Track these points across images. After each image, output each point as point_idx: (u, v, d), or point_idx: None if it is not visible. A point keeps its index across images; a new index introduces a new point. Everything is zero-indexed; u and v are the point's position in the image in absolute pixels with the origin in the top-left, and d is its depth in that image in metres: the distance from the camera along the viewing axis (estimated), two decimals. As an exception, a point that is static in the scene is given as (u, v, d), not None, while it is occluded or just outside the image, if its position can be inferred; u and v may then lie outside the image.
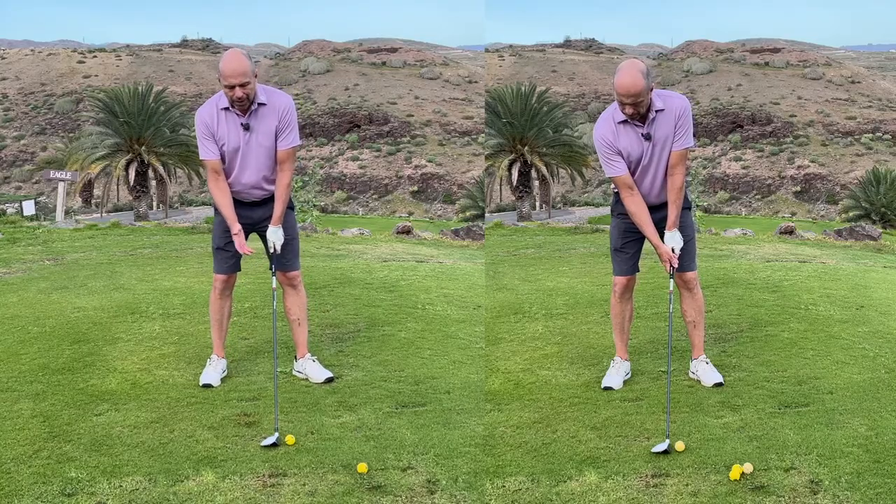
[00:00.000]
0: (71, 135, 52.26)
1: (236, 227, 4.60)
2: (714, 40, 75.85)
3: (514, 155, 31.16)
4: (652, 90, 4.44)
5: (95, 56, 71.07)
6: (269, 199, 4.74)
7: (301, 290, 4.94)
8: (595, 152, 4.74)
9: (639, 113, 4.40)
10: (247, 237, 4.82)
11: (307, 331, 5.05)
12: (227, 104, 4.55)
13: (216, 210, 4.79)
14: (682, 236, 4.64)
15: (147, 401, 4.50)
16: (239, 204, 4.72)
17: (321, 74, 62.23)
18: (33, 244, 10.87)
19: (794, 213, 48.80)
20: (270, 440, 4.00)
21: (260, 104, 4.55)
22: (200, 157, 4.64)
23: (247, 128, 4.56)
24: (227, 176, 4.68)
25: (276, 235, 4.70)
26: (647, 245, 4.87)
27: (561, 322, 6.23)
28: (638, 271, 4.89)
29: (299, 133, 4.71)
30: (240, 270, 4.93)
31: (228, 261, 4.84)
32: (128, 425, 4.16)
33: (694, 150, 56.54)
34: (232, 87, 4.41)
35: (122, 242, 11.26)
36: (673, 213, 4.59)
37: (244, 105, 4.50)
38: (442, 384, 4.82)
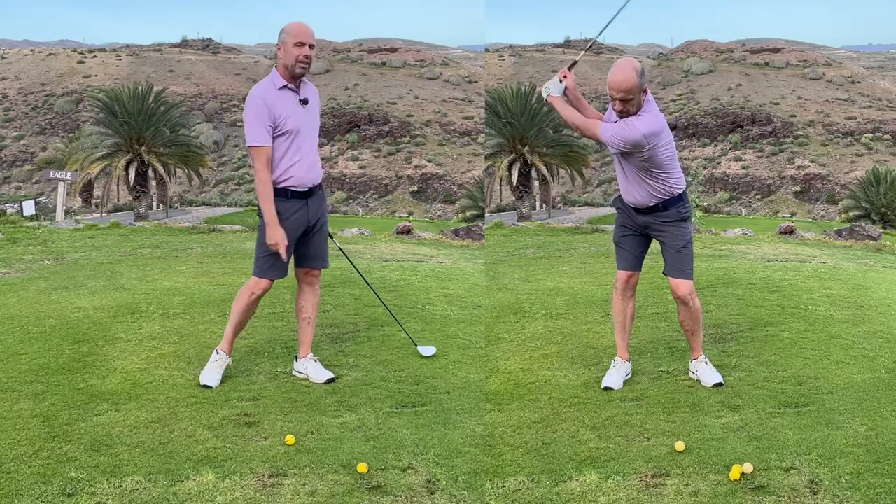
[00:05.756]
0: (71, 135, 52.29)
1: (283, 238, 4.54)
2: (714, 40, 75.95)
3: (514, 155, 31.18)
4: (646, 92, 4.44)
5: (95, 56, 71.11)
6: (318, 188, 4.74)
7: (318, 290, 4.97)
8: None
9: (627, 111, 4.41)
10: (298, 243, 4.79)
11: (314, 331, 5.04)
12: (283, 83, 4.53)
13: (262, 214, 4.56)
14: (674, 245, 4.66)
15: (147, 401, 4.50)
16: (295, 202, 4.61)
17: (321, 74, 62.25)
18: (33, 244, 10.87)
19: (794, 213, 48.81)
20: (430, 350, 5.11)
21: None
22: (254, 143, 4.46)
23: (305, 102, 4.60)
24: (287, 168, 4.56)
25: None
26: (651, 245, 4.87)
27: (561, 322, 6.23)
28: (639, 269, 4.87)
29: None
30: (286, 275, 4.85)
31: (285, 265, 4.70)
32: (128, 425, 4.16)
33: (693, 151, 56.50)
34: (302, 45, 4.46)
35: (122, 242, 11.26)
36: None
37: (305, 68, 4.52)
38: (442, 384, 4.82)
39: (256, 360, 5.26)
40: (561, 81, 4.68)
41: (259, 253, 4.70)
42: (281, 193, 4.58)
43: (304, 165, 4.61)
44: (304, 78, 4.66)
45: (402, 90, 57.77)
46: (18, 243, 10.91)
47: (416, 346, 5.30)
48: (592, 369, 5.06)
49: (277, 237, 4.50)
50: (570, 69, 4.72)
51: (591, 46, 5.05)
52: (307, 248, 4.83)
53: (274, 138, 4.52)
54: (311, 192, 4.69)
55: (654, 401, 4.52)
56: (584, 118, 4.62)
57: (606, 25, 4.88)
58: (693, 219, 4.81)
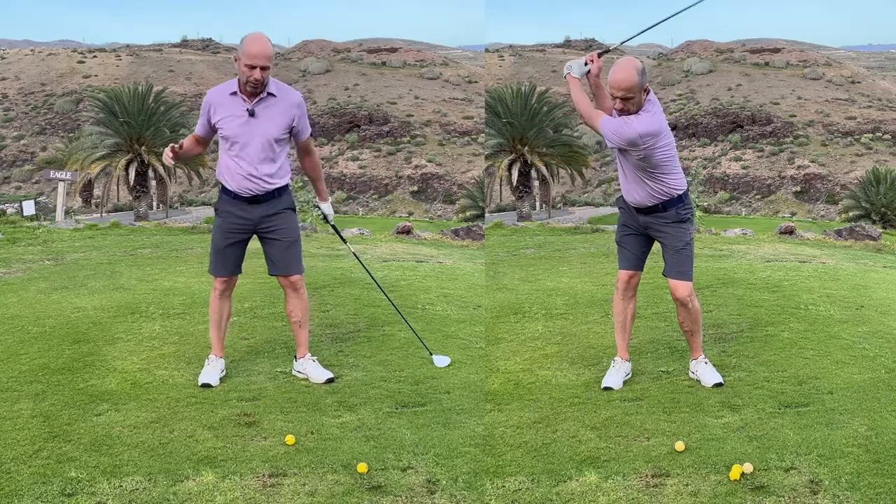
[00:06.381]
0: (71, 135, 52.28)
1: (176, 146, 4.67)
2: (714, 40, 75.89)
3: (514, 155, 31.19)
4: (648, 92, 4.44)
5: (95, 56, 71.10)
6: (268, 197, 4.72)
7: (303, 293, 4.93)
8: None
9: (627, 110, 4.41)
10: (248, 240, 4.84)
11: (308, 332, 5.04)
12: (236, 88, 4.58)
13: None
14: (673, 247, 4.66)
15: (147, 401, 4.50)
16: (236, 203, 4.71)
17: (321, 74, 62.27)
18: (33, 244, 10.87)
19: (794, 213, 48.81)
20: (445, 361, 5.14)
21: (269, 94, 4.60)
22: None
23: (252, 114, 4.58)
24: (228, 172, 4.68)
25: (329, 209, 5.14)
26: (652, 245, 4.87)
27: (561, 322, 6.23)
28: (640, 269, 4.87)
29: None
30: (240, 273, 4.91)
31: (229, 264, 4.82)
32: (128, 425, 4.16)
33: (693, 151, 56.53)
34: (253, 68, 4.45)
35: (122, 242, 11.25)
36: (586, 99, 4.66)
37: (256, 88, 4.52)
38: (442, 384, 4.82)
39: (256, 360, 5.26)
40: (586, 64, 4.66)
41: (210, 248, 4.87)
42: (227, 192, 4.73)
43: (239, 173, 4.65)
44: (268, 96, 4.61)
45: (402, 90, 57.75)
46: (18, 243, 10.91)
47: (432, 354, 5.28)
48: (592, 369, 5.06)
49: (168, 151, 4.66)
50: (599, 56, 4.69)
51: (631, 39, 5.02)
52: (267, 255, 4.87)
53: (221, 140, 4.69)
54: (255, 200, 4.71)
55: (654, 401, 4.52)
56: (590, 107, 4.60)
57: (659, 23, 4.83)
58: (693, 219, 4.80)
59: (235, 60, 4.55)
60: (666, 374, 4.95)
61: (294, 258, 4.85)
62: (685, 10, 4.72)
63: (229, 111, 4.59)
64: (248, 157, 4.62)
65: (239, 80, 4.57)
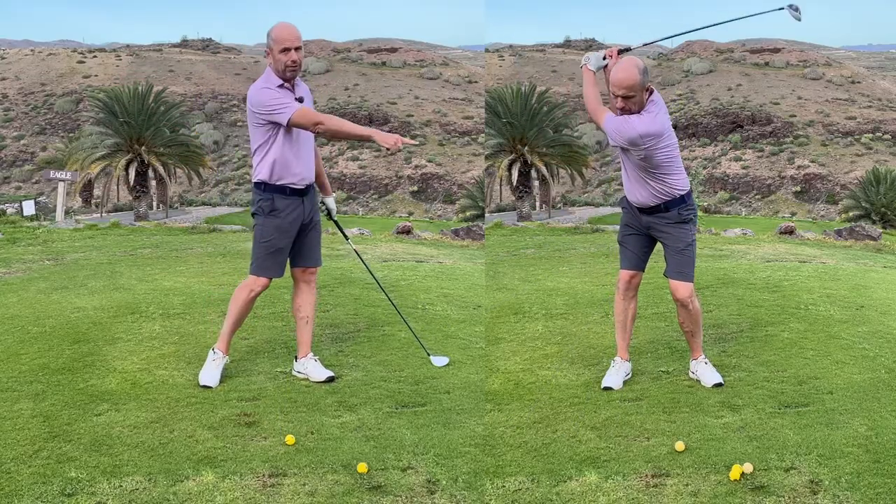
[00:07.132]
0: (71, 135, 52.28)
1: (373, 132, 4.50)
2: (714, 40, 75.89)
3: (514, 155, 31.15)
4: (651, 92, 4.44)
5: (95, 56, 71.11)
6: (311, 186, 4.78)
7: (314, 288, 4.97)
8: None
9: (629, 109, 4.41)
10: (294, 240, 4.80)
11: (312, 331, 5.04)
12: (280, 82, 4.54)
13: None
14: (674, 247, 4.66)
15: (147, 401, 4.50)
16: (292, 198, 4.65)
17: (321, 74, 62.26)
18: (33, 244, 10.87)
19: (794, 213, 48.80)
20: (443, 360, 5.12)
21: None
22: (284, 119, 4.44)
23: (301, 101, 4.59)
24: (289, 165, 4.59)
25: (333, 203, 5.15)
26: (655, 246, 4.87)
27: (561, 322, 6.23)
28: (642, 270, 4.87)
29: None
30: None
31: (284, 262, 4.78)
32: (128, 425, 4.16)
33: (693, 151, 56.53)
34: (287, 51, 4.45)
35: (122, 242, 11.25)
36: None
37: (295, 72, 4.53)
38: (442, 384, 4.82)
39: (256, 360, 5.25)
40: (604, 59, 4.68)
41: (258, 251, 4.75)
42: (280, 190, 4.64)
43: (302, 164, 4.65)
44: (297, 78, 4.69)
45: (402, 90, 57.80)
46: (18, 243, 10.91)
47: (430, 355, 5.27)
48: (592, 369, 5.06)
49: (389, 138, 4.54)
50: (619, 53, 4.71)
51: (655, 42, 5.06)
52: (301, 246, 4.85)
53: (275, 136, 4.55)
54: (306, 191, 4.73)
55: (654, 401, 4.52)
56: (598, 103, 4.63)
57: (682, 33, 4.95)
58: (696, 220, 4.82)
59: (268, 55, 4.54)
60: (666, 374, 4.96)
61: (320, 248, 4.93)
62: (732, 20, 4.79)
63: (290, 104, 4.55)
64: (306, 144, 4.65)
65: (277, 71, 4.53)
